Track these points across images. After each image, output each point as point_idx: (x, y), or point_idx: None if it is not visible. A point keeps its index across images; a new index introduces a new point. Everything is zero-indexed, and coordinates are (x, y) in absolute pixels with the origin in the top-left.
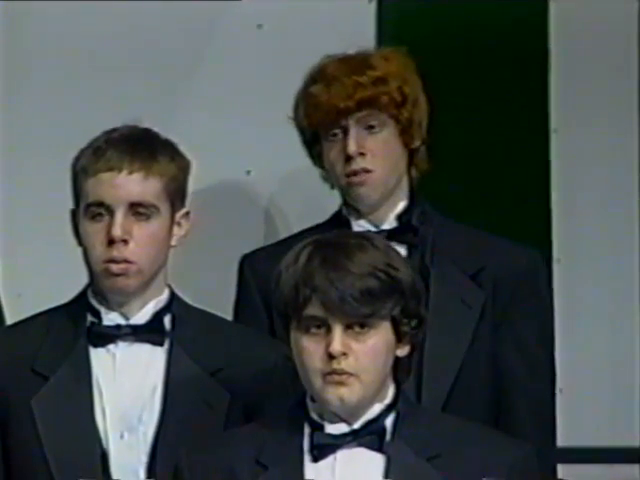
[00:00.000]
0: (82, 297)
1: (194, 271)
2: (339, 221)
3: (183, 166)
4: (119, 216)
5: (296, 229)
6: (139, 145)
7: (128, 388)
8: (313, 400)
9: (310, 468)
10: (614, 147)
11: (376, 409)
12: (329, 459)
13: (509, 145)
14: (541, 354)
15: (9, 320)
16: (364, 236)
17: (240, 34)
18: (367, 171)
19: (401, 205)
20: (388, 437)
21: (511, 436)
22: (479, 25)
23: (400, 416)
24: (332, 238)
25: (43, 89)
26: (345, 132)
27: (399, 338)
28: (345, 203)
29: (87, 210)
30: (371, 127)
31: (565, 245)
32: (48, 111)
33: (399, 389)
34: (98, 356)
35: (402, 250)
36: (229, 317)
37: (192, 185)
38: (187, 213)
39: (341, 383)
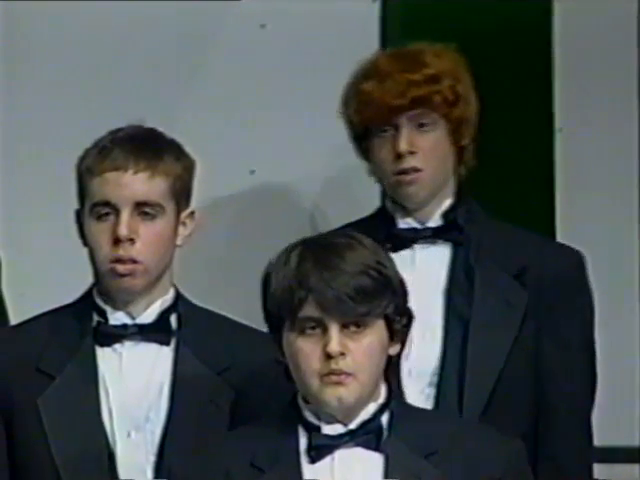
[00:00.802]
0: (87, 297)
1: (195, 271)
2: (384, 217)
3: (188, 166)
4: (125, 215)
5: (299, 228)
6: (144, 145)
7: (135, 387)
8: (306, 401)
9: (308, 470)
10: (618, 146)
11: (371, 409)
12: (326, 460)
13: (514, 145)
14: (583, 355)
15: (12, 319)
16: (350, 235)
17: (243, 34)
18: (417, 170)
19: (447, 203)
20: (385, 436)
21: (550, 436)
22: (483, 25)
23: (394, 415)
24: (319, 239)
25: (46, 88)
26: (396, 129)
27: (391, 336)
28: (391, 200)
29: (92, 210)
30: (422, 125)
31: (569, 244)
32: (51, 110)
33: (390, 388)
34: (104, 355)
35: (446, 248)
36: (232, 315)
37: (196, 184)
38: (192, 213)
39: (339, 383)
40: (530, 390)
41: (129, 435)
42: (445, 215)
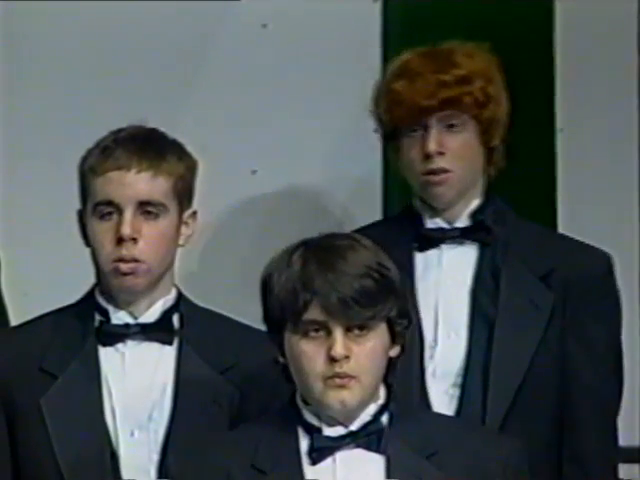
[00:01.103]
0: (90, 297)
1: (198, 271)
2: (411, 216)
3: (190, 166)
4: (128, 215)
5: (301, 229)
6: (147, 144)
7: (137, 387)
8: (305, 402)
9: (309, 471)
10: (618, 146)
11: (371, 410)
12: (328, 461)
13: (516, 144)
14: (610, 357)
15: (14, 319)
16: (350, 236)
17: (245, 34)
18: (446, 171)
19: (475, 203)
20: (385, 437)
21: (575, 437)
22: (485, 25)
23: (394, 416)
24: (320, 240)
25: (47, 88)
26: (425, 129)
27: (393, 338)
28: (419, 199)
29: (95, 209)
30: (452, 126)
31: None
32: (52, 110)
33: (389, 389)
34: (107, 355)
35: (474, 249)
36: (233, 315)
37: (198, 185)
38: (194, 213)
39: (342, 386)
40: (555, 391)
41: (132, 434)
42: (473, 215)
